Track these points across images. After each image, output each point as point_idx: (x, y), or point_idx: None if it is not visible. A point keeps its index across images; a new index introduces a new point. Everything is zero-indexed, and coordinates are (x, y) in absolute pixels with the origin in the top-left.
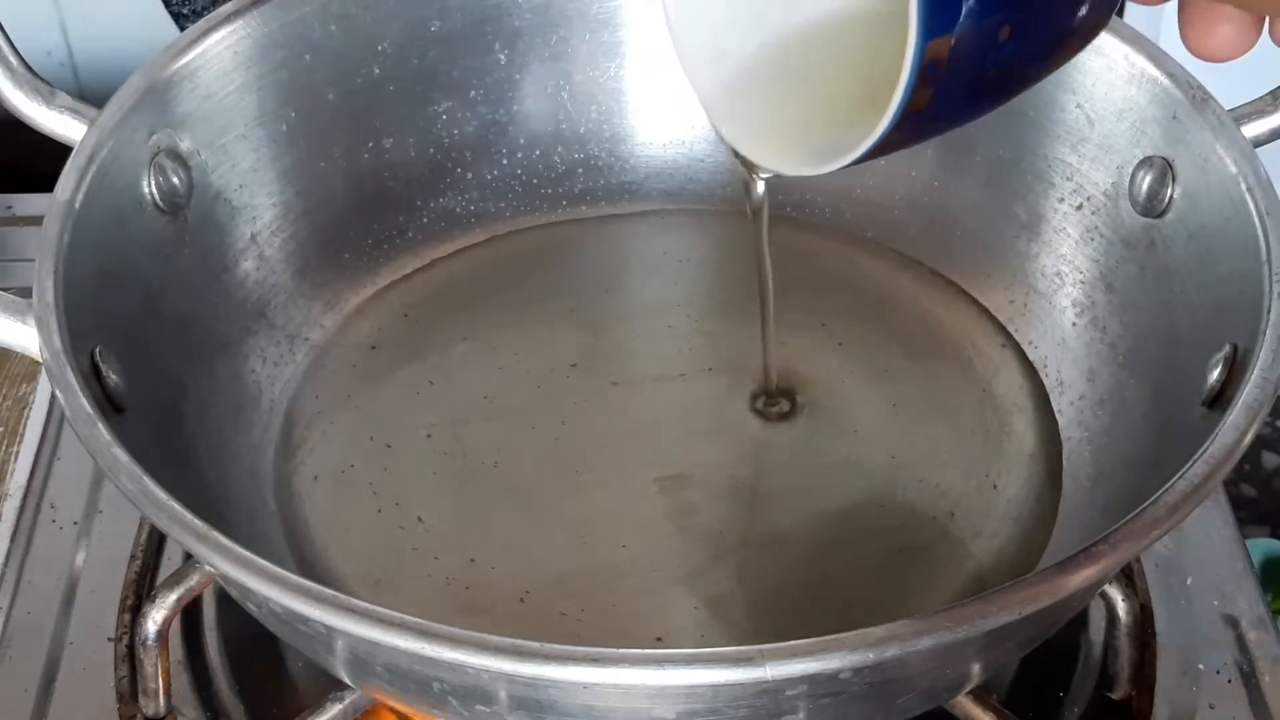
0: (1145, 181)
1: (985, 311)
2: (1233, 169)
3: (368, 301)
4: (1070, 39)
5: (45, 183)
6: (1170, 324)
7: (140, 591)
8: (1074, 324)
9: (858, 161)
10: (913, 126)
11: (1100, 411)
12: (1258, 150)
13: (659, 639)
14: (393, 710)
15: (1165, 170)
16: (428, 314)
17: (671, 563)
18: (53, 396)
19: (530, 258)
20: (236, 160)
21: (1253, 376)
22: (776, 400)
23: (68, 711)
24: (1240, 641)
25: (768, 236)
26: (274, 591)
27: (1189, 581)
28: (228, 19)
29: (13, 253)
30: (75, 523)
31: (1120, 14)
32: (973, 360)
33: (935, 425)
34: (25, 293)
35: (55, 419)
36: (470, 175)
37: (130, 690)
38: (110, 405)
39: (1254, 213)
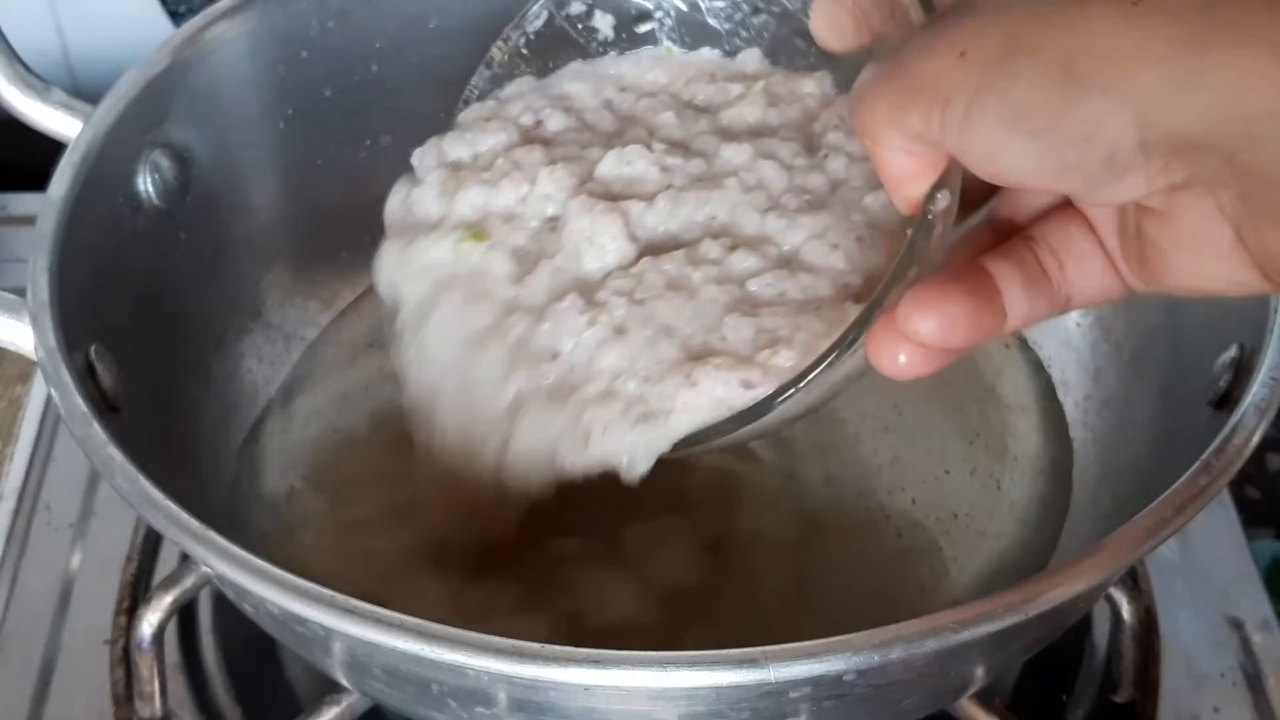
0: None
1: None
2: None
3: (365, 300)
4: None
5: (41, 182)
6: (1176, 324)
7: (136, 594)
8: (1079, 324)
9: None
10: None
11: (1106, 412)
12: None
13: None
14: None
15: None
16: None
17: (670, 562)
18: (48, 398)
19: None
20: (233, 158)
21: (1260, 377)
22: None
23: (63, 715)
24: (1245, 644)
25: None
26: (271, 592)
27: (1194, 584)
28: (224, 15)
29: (7, 252)
30: (70, 525)
31: None
32: (976, 360)
33: (939, 425)
34: (21, 292)
35: (50, 420)
36: None
37: (126, 693)
38: (105, 404)
39: None
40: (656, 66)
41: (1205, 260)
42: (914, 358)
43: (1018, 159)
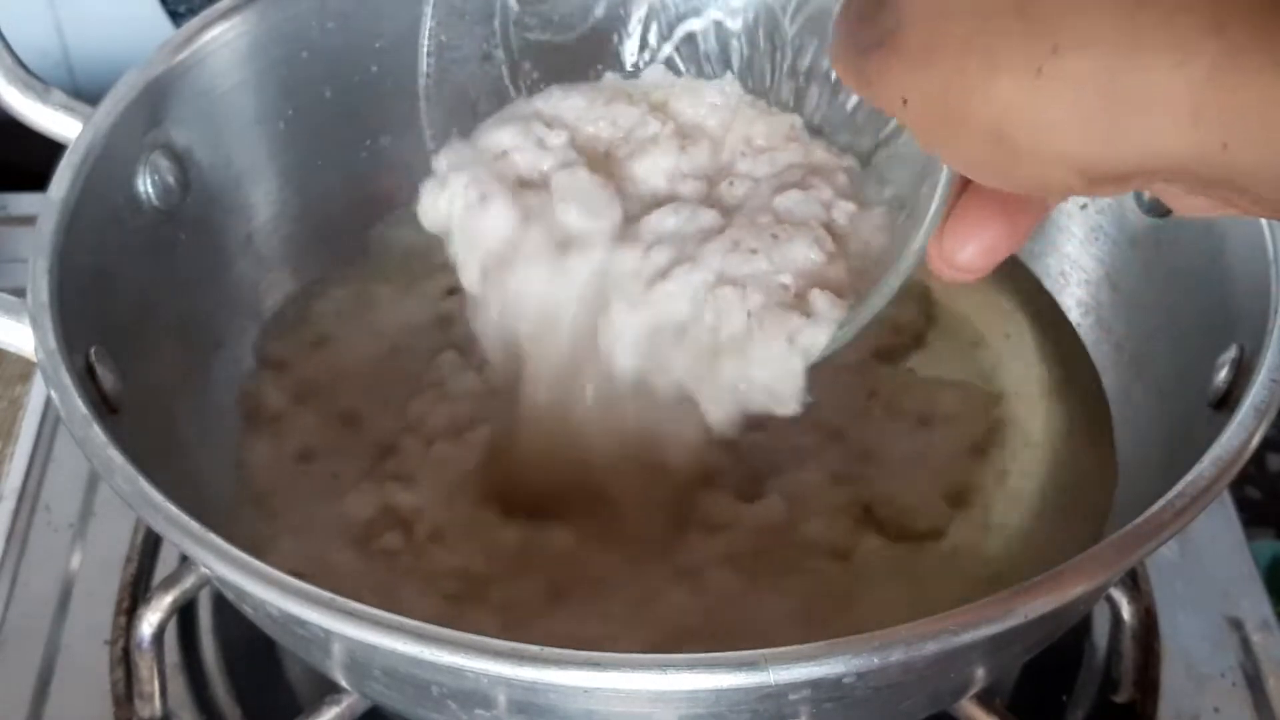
0: None
1: (992, 308)
2: None
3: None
4: None
5: (41, 183)
6: (1176, 324)
7: (136, 594)
8: (1079, 324)
9: None
10: None
11: None
12: None
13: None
14: None
15: None
16: None
17: (673, 560)
18: (48, 398)
19: None
20: (233, 158)
21: (1260, 378)
22: None
23: (63, 715)
24: (1245, 644)
25: None
26: (270, 594)
27: (1194, 584)
28: (224, 15)
29: (7, 253)
30: (70, 525)
31: None
32: (979, 357)
33: (941, 420)
34: (20, 293)
35: (50, 420)
36: None
37: (126, 693)
38: (105, 405)
39: None
40: (571, 94)
41: (1195, 206)
42: (966, 272)
43: (989, 183)
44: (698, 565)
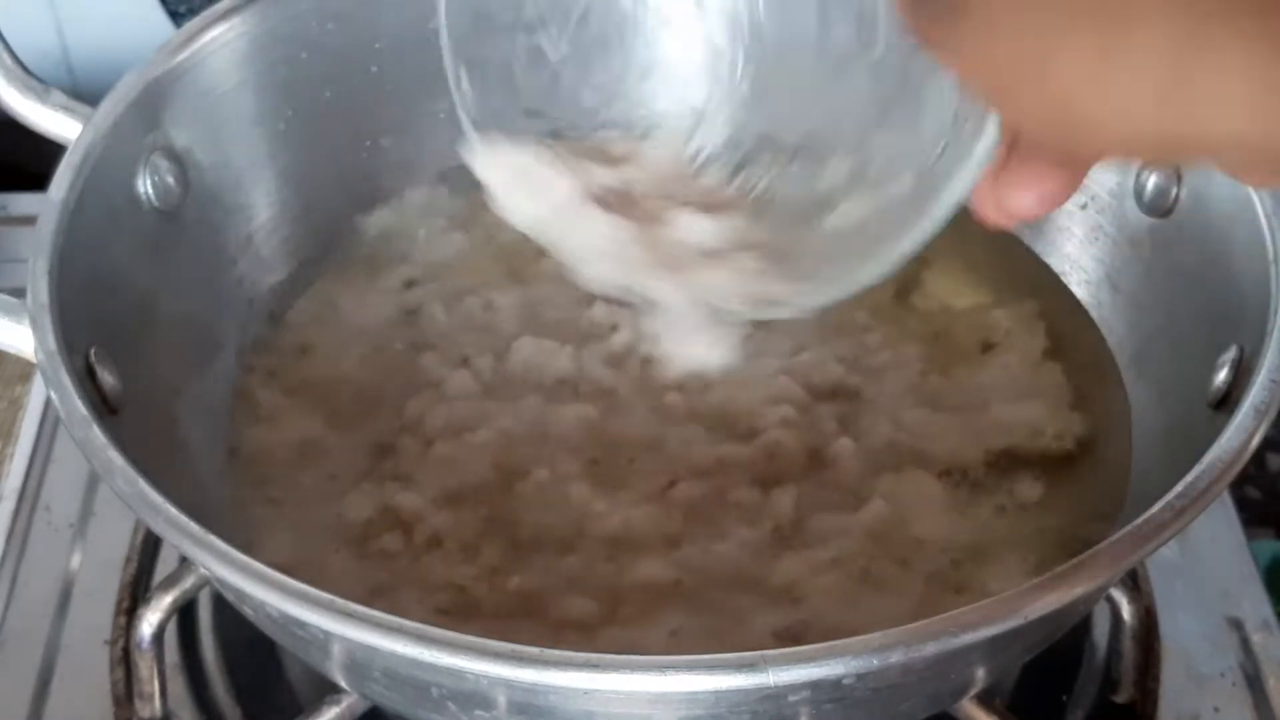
0: (1151, 180)
1: (993, 307)
2: None
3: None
4: None
5: (41, 183)
6: (1176, 324)
7: (136, 594)
8: None
9: None
10: None
11: None
12: None
13: (672, 632)
14: None
15: (1171, 169)
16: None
17: (768, 584)
18: (48, 398)
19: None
20: (233, 159)
21: (1260, 378)
22: None
23: (63, 715)
24: (1245, 644)
25: None
26: (270, 596)
27: (1194, 584)
28: (224, 16)
29: (7, 253)
30: (71, 525)
31: None
32: (981, 356)
33: (942, 417)
34: (20, 293)
35: (50, 420)
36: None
37: (126, 693)
38: (105, 407)
39: (1261, 213)
40: None
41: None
42: (1018, 218)
43: (1045, 142)
44: (797, 580)
